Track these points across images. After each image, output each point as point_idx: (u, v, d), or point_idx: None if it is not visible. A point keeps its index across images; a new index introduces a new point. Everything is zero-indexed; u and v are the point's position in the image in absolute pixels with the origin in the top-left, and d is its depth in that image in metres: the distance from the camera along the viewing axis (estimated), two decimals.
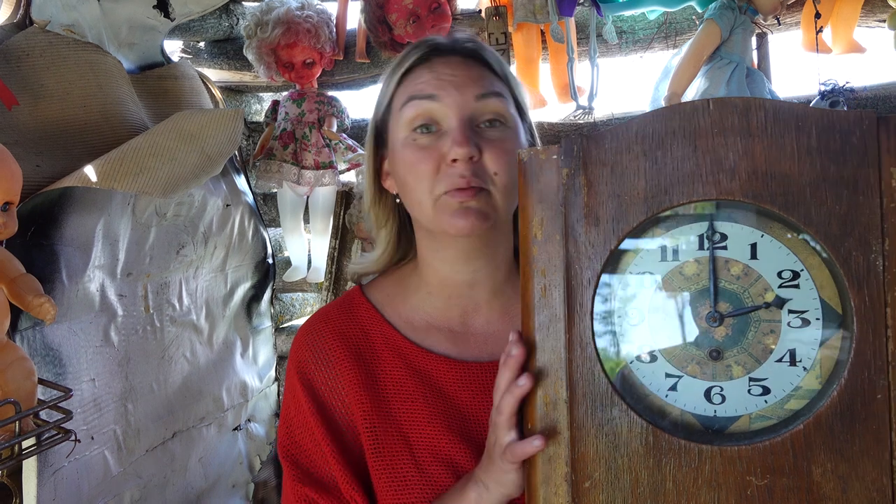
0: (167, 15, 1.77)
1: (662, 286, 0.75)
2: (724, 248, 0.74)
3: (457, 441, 0.95)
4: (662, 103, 1.88)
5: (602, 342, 0.75)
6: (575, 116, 2.06)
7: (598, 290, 0.75)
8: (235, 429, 1.96)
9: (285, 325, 2.47)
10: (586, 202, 0.74)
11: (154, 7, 1.74)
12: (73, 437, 1.12)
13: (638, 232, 0.74)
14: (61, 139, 1.37)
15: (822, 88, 1.85)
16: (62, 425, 1.11)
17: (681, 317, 0.75)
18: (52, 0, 1.47)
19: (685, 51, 1.86)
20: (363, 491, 0.96)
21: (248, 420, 2.02)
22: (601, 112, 2.09)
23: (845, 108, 1.75)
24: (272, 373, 2.14)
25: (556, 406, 0.75)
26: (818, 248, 0.71)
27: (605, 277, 0.75)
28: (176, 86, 1.78)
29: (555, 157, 0.75)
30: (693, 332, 0.75)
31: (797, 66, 2.04)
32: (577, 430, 0.74)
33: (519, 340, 0.78)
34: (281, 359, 2.29)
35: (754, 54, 1.93)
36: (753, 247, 0.73)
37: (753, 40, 1.91)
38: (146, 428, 1.58)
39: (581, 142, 0.74)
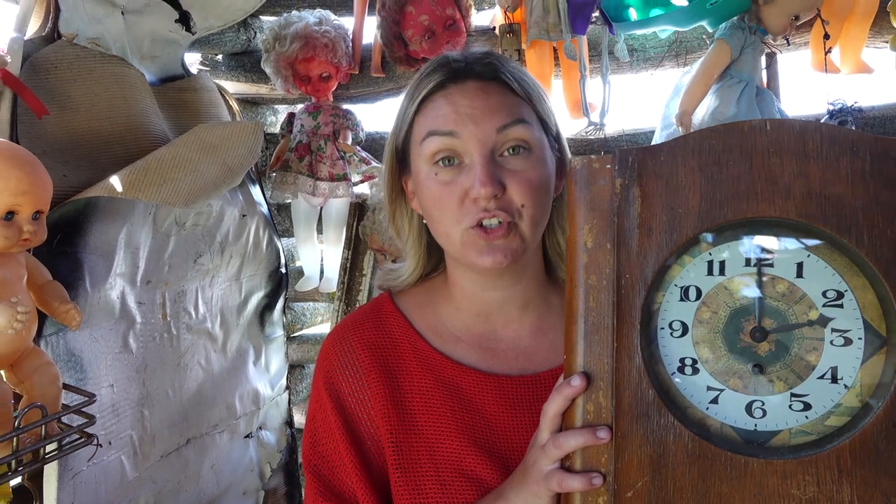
0: (188, 29, 1.81)
1: (707, 300, 0.77)
2: (771, 265, 0.75)
3: (482, 456, 0.95)
4: (673, 121, 1.91)
5: (646, 352, 0.76)
6: (586, 132, 2.09)
7: (645, 302, 0.76)
8: (247, 436, 1.98)
9: (297, 334, 2.50)
10: (640, 213, 0.75)
11: (176, 21, 1.78)
12: (94, 442, 1.14)
13: (687, 246, 0.75)
14: (87, 149, 1.40)
15: (831, 108, 1.88)
16: (84, 430, 1.14)
17: (724, 331, 0.76)
18: (79, 14, 1.50)
19: (696, 69, 1.89)
20: None
21: (260, 428, 2.04)
22: (612, 128, 2.11)
23: (853, 128, 1.78)
24: (283, 381, 2.16)
25: (599, 415, 0.75)
26: (865, 270, 0.73)
27: (652, 288, 0.76)
28: (195, 98, 1.82)
29: (608, 166, 0.76)
30: (736, 347, 0.76)
31: (806, 86, 2.07)
32: (622, 438, 0.74)
33: (582, 374, 0.76)
34: (292, 367, 2.31)
35: (764, 74, 1.96)
36: (800, 265, 0.75)
37: (763, 60, 1.94)
38: (161, 434, 1.60)
39: (636, 153, 0.75)
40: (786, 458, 0.72)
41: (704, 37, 2.03)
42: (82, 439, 1.13)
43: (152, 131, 1.55)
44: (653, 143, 2.00)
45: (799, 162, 0.72)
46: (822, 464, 0.71)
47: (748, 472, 0.72)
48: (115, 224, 1.40)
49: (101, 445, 1.16)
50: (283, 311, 2.17)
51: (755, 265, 0.76)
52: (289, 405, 2.20)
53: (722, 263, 0.76)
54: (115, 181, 1.30)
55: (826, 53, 1.85)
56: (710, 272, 0.76)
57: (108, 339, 1.44)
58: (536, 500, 0.81)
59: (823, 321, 0.74)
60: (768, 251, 0.75)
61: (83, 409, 1.14)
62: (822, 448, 0.72)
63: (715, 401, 0.76)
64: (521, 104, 0.96)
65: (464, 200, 0.92)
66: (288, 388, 2.20)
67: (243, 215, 1.88)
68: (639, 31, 2.06)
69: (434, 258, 1.10)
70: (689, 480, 0.73)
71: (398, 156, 1.02)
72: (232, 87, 2.37)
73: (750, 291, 0.76)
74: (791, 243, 0.75)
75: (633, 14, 2.03)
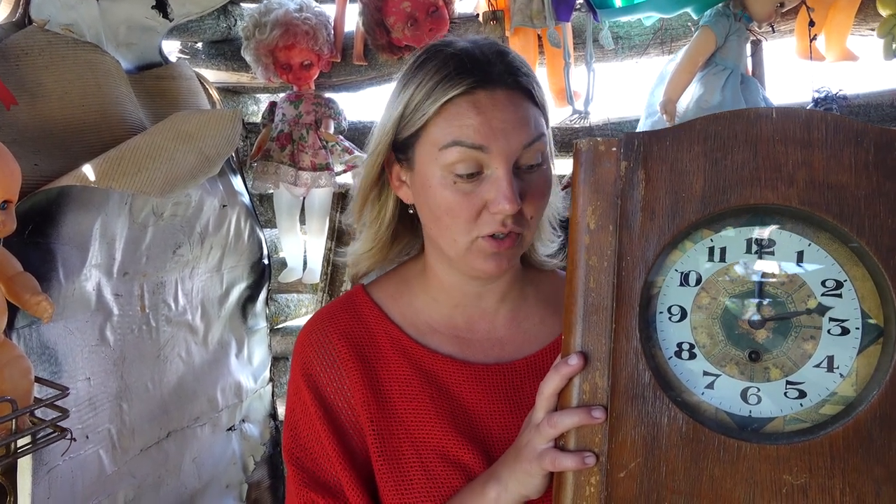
0: (166, 15, 1.78)
1: (707, 286, 0.77)
2: (772, 253, 0.75)
3: (464, 442, 0.95)
4: (657, 109, 1.89)
5: (644, 335, 0.76)
6: (571, 120, 2.07)
7: (644, 285, 0.76)
8: (230, 429, 1.96)
9: (280, 325, 2.47)
10: (644, 196, 0.75)
11: (153, 7, 1.74)
12: (69, 436, 1.12)
13: (688, 230, 0.75)
14: (59, 138, 1.37)
15: (816, 95, 1.87)
16: (58, 424, 1.12)
17: (723, 317, 0.77)
18: None
19: (680, 57, 1.88)
20: (369, 496, 0.95)
21: (243, 420, 2.02)
22: (597, 116, 2.10)
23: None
24: (266, 373, 2.14)
25: (595, 395, 0.75)
26: (865, 259, 0.73)
27: (652, 272, 0.76)
28: (174, 86, 1.79)
29: (614, 149, 0.76)
30: (734, 333, 0.76)
31: (791, 73, 2.07)
32: (617, 419, 0.75)
33: (580, 353, 0.76)
34: (275, 360, 2.29)
35: (749, 61, 1.96)
36: (800, 254, 0.75)
37: (748, 47, 1.93)
38: (141, 427, 1.58)
39: (642, 137, 0.75)
40: (779, 444, 0.72)
41: (689, 24, 2.02)
42: (56, 433, 1.11)
43: (128, 119, 1.52)
44: (637, 130, 1.99)
45: (803, 150, 0.72)
46: (815, 450, 0.72)
47: (741, 457, 0.73)
48: (90, 214, 1.38)
49: (75, 440, 1.14)
50: (266, 303, 2.15)
51: (756, 252, 0.76)
52: (272, 397, 2.18)
53: (723, 250, 0.76)
54: (87, 170, 1.28)
55: (811, 41, 1.84)
56: (710, 258, 0.76)
57: (84, 332, 1.42)
58: (529, 478, 0.81)
59: (822, 310, 0.75)
60: (770, 239, 0.75)
61: (57, 403, 1.12)
62: (815, 435, 0.72)
63: (711, 386, 0.76)
64: (540, 115, 0.94)
65: (481, 212, 0.91)
66: (271, 380, 2.18)
67: (224, 205, 1.86)
68: (623, 18, 2.04)
69: (398, 245, 1.09)
70: (682, 462, 0.73)
71: (396, 146, 0.98)
72: (212, 75, 2.34)
73: (750, 278, 0.76)
74: (792, 231, 0.75)
75: (617, 1, 2.01)
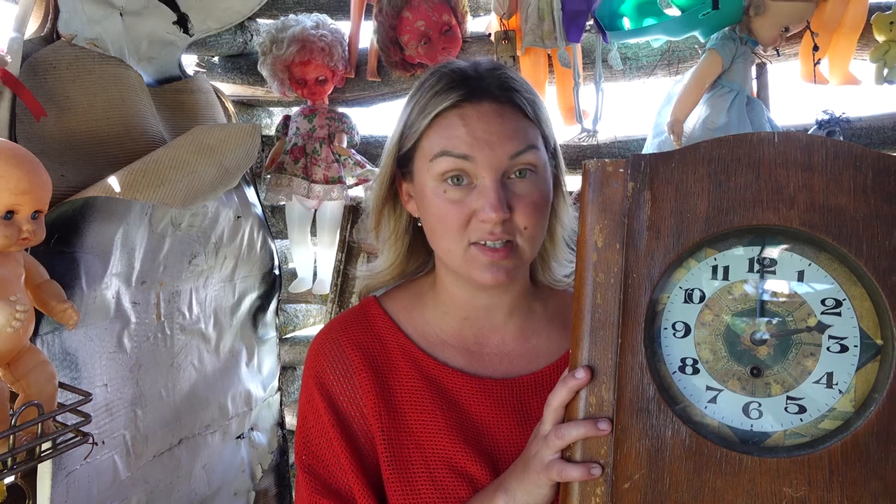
0: (186, 31, 1.82)
1: (710, 303, 0.79)
2: (773, 272, 0.78)
3: (471, 453, 0.96)
4: (664, 129, 1.93)
5: (649, 350, 0.78)
6: (580, 139, 2.11)
7: (650, 302, 0.78)
8: (239, 437, 1.98)
9: (289, 335, 2.50)
10: (650, 215, 0.77)
11: (174, 23, 1.79)
12: (90, 441, 1.15)
13: (693, 249, 0.78)
14: (84, 150, 1.41)
15: (820, 118, 1.91)
16: (80, 429, 1.14)
17: (726, 334, 0.79)
18: (78, 15, 1.51)
19: (687, 78, 1.92)
20: (380, 503, 0.97)
21: (252, 429, 2.05)
22: (605, 135, 2.14)
23: (841, 138, 1.81)
24: (275, 382, 2.17)
25: (601, 408, 0.77)
26: (863, 280, 0.75)
27: (657, 289, 0.79)
28: (192, 99, 1.83)
29: (622, 170, 0.78)
30: (736, 350, 0.79)
31: (795, 96, 2.11)
32: (622, 432, 0.77)
33: (587, 367, 0.78)
34: (284, 369, 2.32)
35: (754, 83, 2.00)
36: (801, 273, 0.77)
37: (753, 70, 1.97)
38: (154, 434, 1.61)
39: (649, 158, 0.78)
40: (779, 458, 0.74)
41: (696, 46, 2.06)
42: (77, 438, 1.14)
43: (149, 132, 1.56)
44: (644, 150, 2.03)
45: (804, 173, 0.75)
46: (814, 464, 0.74)
47: (742, 470, 0.74)
48: (112, 224, 1.41)
49: (96, 444, 1.16)
50: (276, 313, 2.18)
51: (758, 271, 0.78)
52: (280, 406, 2.20)
53: (726, 268, 0.79)
54: (112, 181, 1.31)
55: (815, 65, 1.88)
56: (714, 276, 0.79)
57: (103, 339, 1.45)
58: (537, 489, 0.83)
59: (822, 328, 0.77)
60: (771, 258, 0.78)
61: (79, 408, 1.14)
62: (814, 449, 0.74)
63: (713, 400, 0.78)
64: (532, 127, 0.97)
65: (470, 220, 0.94)
66: (280, 389, 2.20)
67: (238, 217, 1.89)
68: (632, 40, 2.09)
69: (415, 262, 1.12)
70: (685, 474, 0.75)
71: (400, 161, 1.03)
72: (228, 88, 2.38)
73: (752, 297, 0.78)
74: (793, 252, 0.77)
75: (626, 23, 2.06)
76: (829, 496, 0.73)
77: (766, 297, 0.78)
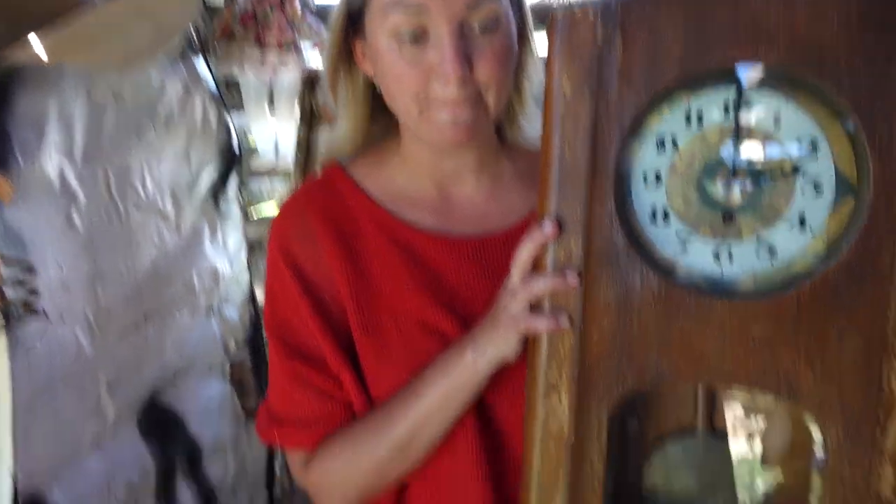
0: None
1: (683, 151, 0.77)
2: (749, 114, 0.75)
3: (443, 311, 0.96)
4: None
5: (619, 201, 0.76)
6: None
7: (620, 152, 0.75)
8: (209, 313, 1.99)
9: (254, 213, 2.47)
10: (621, 61, 0.74)
11: None
12: (40, 310, 1.13)
13: (666, 94, 0.75)
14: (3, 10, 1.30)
15: None
16: (28, 302, 1.13)
17: (698, 180, 0.77)
18: None
19: None
20: (351, 366, 0.97)
21: (222, 304, 2.06)
22: None
23: None
24: (243, 259, 2.16)
25: (570, 260, 0.76)
26: (842, 117, 0.73)
27: (628, 137, 0.76)
28: None
29: (591, 17, 0.74)
30: (708, 196, 0.77)
31: None
32: (591, 283, 0.76)
33: (554, 220, 0.76)
34: (251, 247, 2.30)
35: None
36: (777, 114, 0.75)
37: None
38: (117, 311, 1.60)
39: (620, 2, 0.73)
40: (748, 301, 0.75)
41: None
42: (27, 312, 1.13)
43: None
44: None
45: (786, 8, 0.71)
46: (784, 305, 0.74)
47: (712, 314, 0.74)
48: (44, 94, 1.33)
49: (48, 317, 1.15)
50: (239, 190, 2.14)
51: (732, 114, 0.75)
52: (250, 283, 2.20)
53: (699, 113, 0.76)
54: (37, 46, 1.22)
55: None
56: (687, 123, 0.76)
57: (50, 216, 1.41)
58: (505, 343, 0.83)
59: (796, 170, 0.75)
60: (747, 101, 0.75)
61: (27, 283, 1.12)
62: (784, 291, 0.74)
63: (684, 248, 0.77)
64: None
65: (428, 77, 0.88)
66: (248, 266, 2.20)
67: (187, 89, 1.80)
68: None
69: (378, 125, 1.07)
70: (654, 320, 0.75)
71: (350, 17, 0.96)
72: None
73: (725, 141, 0.76)
74: (770, 91, 0.74)
75: None
76: (796, 336, 0.74)
77: (740, 141, 0.75)
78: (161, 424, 1.79)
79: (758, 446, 0.90)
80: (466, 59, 0.87)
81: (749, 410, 0.90)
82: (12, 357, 1.28)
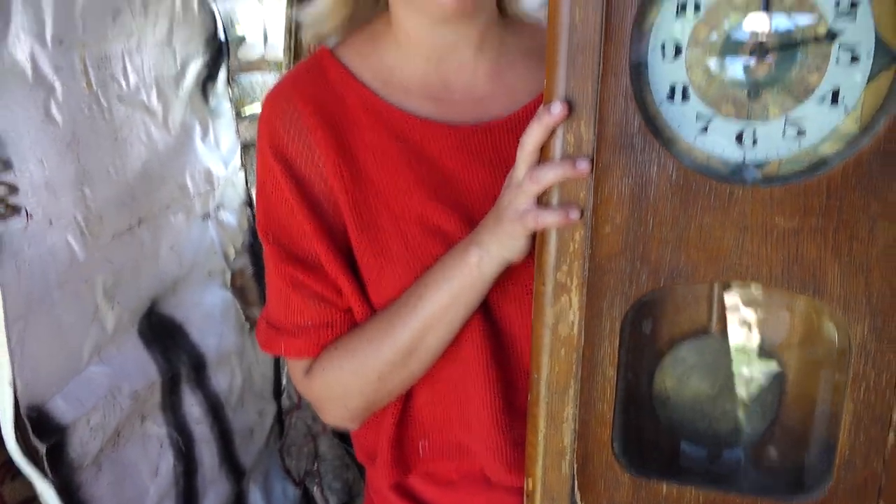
0: None
1: (707, 16, 0.67)
2: None
3: (442, 208, 0.89)
4: None
5: (634, 77, 0.68)
6: None
7: (637, 18, 0.67)
8: (205, 217, 1.88)
9: (247, 110, 2.32)
10: None
11: None
12: (22, 210, 1.02)
13: None
14: None
15: None
16: (8, 203, 1.02)
17: (722, 51, 0.68)
18: None
19: None
20: (348, 269, 0.91)
21: (218, 208, 1.95)
22: None
23: None
24: (237, 159, 2.03)
25: (580, 146, 0.69)
26: None
27: (646, 1, 0.67)
28: None
29: None
30: (733, 68, 0.68)
31: None
32: (603, 171, 0.69)
33: (563, 100, 0.68)
34: (244, 147, 2.17)
35: None
36: None
37: None
38: (108, 213, 1.49)
39: None
40: (773, 186, 0.68)
41: None
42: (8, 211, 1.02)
43: None
44: None
45: None
46: (811, 191, 0.67)
47: (732, 202, 0.68)
48: None
49: (33, 217, 1.05)
50: (228, 84, 1.98)
51: None
52: (246, 185, 2.09)
53: None
54: None
55: None
56: None
57: (27, 107, 1.27)
58: (512, 241, 0.77)
59: (832, 36, 0.66)
60: None
61: (6, 181, 1.01)
62: (812, 175, 0.68)
63: (704, 129, 0.70)
64: None
65: None
66: (244, 166, 2.07)
67: None
68: None
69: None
70: (671, 212, 0.69)
71: None
72: None
73: (754, 4, 0.66)
74: None
75: None
76: (825, 223, 0.67)
77: (770, 4, 0.66)
78: (163, 334, 1.71)
79: (769, 343, 0.82)
80: None
81: (761, 307, 0.81)
82: (1, 265, 1.18)
